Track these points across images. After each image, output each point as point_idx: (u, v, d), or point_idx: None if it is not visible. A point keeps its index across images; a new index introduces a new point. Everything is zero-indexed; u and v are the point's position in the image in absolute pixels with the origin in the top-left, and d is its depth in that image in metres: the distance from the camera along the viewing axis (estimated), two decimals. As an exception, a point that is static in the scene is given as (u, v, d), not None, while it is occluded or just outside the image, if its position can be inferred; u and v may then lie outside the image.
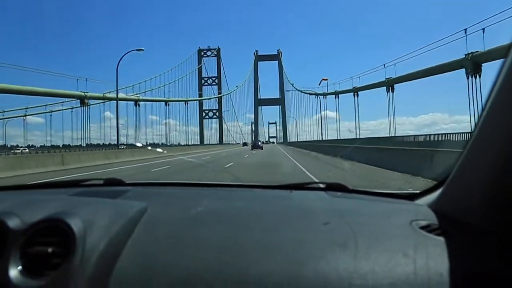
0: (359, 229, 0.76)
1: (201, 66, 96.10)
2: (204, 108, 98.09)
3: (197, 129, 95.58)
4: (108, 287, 0.66)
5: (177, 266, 0.68)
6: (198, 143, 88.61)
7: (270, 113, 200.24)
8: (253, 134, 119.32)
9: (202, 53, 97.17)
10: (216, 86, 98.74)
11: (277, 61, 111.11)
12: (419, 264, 0.64)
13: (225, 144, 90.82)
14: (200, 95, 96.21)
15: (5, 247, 0.69)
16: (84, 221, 0.73)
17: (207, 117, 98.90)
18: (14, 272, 0.66)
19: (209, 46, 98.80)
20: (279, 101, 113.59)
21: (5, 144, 53.69)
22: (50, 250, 0.68)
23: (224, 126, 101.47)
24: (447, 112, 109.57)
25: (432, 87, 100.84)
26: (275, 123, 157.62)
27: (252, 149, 41.29)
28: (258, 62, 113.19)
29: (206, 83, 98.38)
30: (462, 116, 75.95)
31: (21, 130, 53.40)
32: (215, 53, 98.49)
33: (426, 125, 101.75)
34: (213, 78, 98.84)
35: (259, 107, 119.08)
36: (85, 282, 0.65)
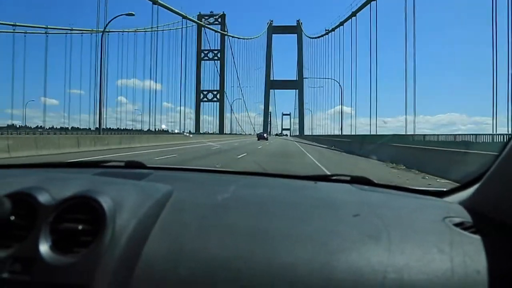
0: (391, 222, 0.74)
1: (200, 36, 77.09)
2: (202, 88, 79.50)
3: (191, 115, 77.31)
4: (136, 269, 0.65)
5: (205, 251, 0.67)
6: (194, 131, 70.56)
7: (286, 102, 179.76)
8: (264, 123, 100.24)
9: (203, 20, 78.01)
10: (219, 62, 79.85)
11: (295, 35, 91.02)
12: (456, 261, 0.63)
13: (227, 134, 72.37)
14: (198, 73, 77.58)
15: (35, 222, 0.68)
16: (114, 200, 0.72)
17: (205, 99, 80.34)
18: (44, 247, 0.64)
19: (211, 12, 79.62)
20: (296, 85, 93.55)
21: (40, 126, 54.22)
22: (80, 227, 0.67)
23: (228, 113, 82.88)
24: (465, 113, 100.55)
25: (452, 86, 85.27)
26: (289, 114, 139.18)
27: (258, 140, 42.68)
28: (273, 35, 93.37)
29: (206, 57, 79.49)
30: (482, 118, 66.92)
31: (39, 111, 56.87)
32: (219, 20, 79.26)
33: (443, 125, 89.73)
34: (215, 52, 79.87)
35: (272, 91, 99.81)
36: (115, 262, 0.64)
